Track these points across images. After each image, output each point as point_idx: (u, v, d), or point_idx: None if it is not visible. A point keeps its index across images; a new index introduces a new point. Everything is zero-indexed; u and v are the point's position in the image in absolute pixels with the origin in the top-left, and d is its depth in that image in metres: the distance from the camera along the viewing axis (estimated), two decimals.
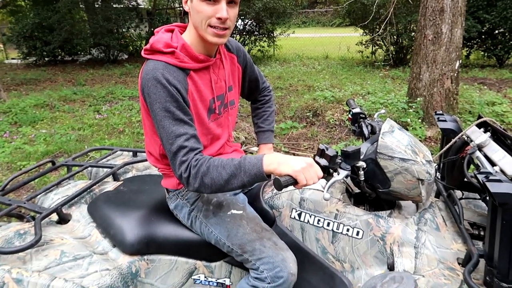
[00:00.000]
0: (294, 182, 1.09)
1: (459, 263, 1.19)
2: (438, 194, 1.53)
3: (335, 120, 5.03)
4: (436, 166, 1.61)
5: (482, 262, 1.09)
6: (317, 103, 5.60)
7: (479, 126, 1.41)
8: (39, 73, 10.31)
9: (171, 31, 1.34)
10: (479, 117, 1.43)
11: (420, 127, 4.14)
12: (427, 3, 4.21)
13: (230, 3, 1.21)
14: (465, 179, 1.41)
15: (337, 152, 1.16)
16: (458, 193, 1.48)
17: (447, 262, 1.19)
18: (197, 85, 1.31)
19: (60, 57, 12.51)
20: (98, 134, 5.11)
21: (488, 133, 1.32)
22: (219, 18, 1.19)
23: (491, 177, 0.98)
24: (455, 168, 1.46)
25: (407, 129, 4.18)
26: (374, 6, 7.10)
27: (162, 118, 1.20)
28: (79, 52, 12.90)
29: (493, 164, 1.21)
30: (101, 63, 11.97)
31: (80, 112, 6.28)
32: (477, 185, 1.24)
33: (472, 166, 1.39)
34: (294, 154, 4.13)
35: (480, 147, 1.28)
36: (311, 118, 5.28)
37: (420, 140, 4.01)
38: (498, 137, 1.32)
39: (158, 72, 1.20)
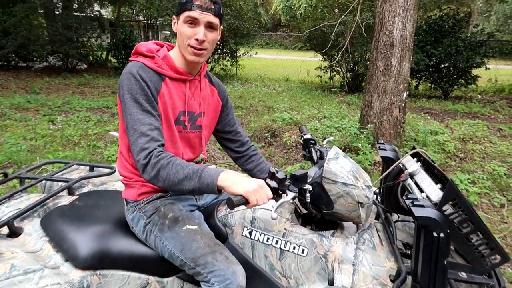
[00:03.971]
0: (246, 202, 1.18)
1: (390, 280, 1.32)
2: (378, 216, 1.68)
3: (292, 142, 5.21)
4: (377, 191, 1.77)
5: (410, 278, 1.22)
6: (276, 124, 5.77)
7: (413, 156, 1.58)
8: None
9: (161, 45, 1.52)
10: (413, 148, 1.60)
11: (370, 152, 4.39)
12: (379, 37, 4.54)
13: (209, 28, 1.39)
14: (400, 204, 1.57)
15: (286, 176, 1.27)
16: (395, 216, 1.63)
17: (380, 279, 1.32)
18: (171, 92, 1.44)
19: (13, 62, 11.98)
20: (52, 145, 4.96)
21: (420, 163, 1.49)
22: (196, 40, 1.37)
23: (415, 203, 1.13)
24: (392, 193, 1.62)
25: (358, 154, 4.42)
26: (333, 35, 7.49)
27: (131, 107, 1.33)
28: (34, 59, 12.42)
29: (422, 190, 1.37)
30: (58, 71, 11.62)
31: (33, 121, 6.07)
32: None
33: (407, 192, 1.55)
34: None
35: (412, 175, 1.44)
36: (269, 138, 5.44)
37: (369, 165, 4.26)
38: (428, 167, 1.49)
39: (134, 69, 1.36)
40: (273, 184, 1.24)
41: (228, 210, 1.54)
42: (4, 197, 1.73)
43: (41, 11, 12.44)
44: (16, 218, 1.54)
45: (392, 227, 1.45)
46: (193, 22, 1.36)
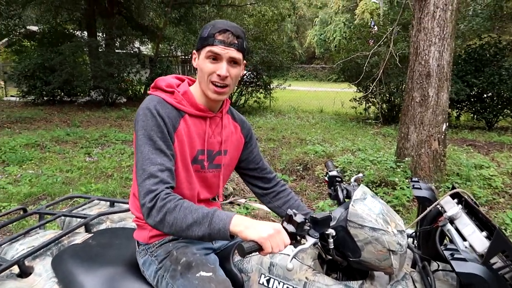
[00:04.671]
0: (259, 249, 1.06)
1: None
2: (414, 264, 1.49)
3: (325, 175, 5.02)
4: (413, 234, 1.59)
5: None
6: (308, 157, 5.62)
7: (453, 197, 1.41)
8: (35, 112, 10.40)
9: (182, 80, 1.46)
10: (453, 187, 1.43)
11: (408, 187, 4.13)
12: (414, 67, 4.37)
13: (232, 63, 1.32)
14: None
15: (305, 219, 1.14)
16: (434, 264, 1.44)
17: None
18: (190, 130, 1.36)
19: (59, 97, 12.72)
20: (86, 177, 5.05)
21: (460, 206, 1.31)
22: (219, 75, 1.29)
23: (456, 255, 0.96)
24: (430, 238, 1.44)
25: (394, 189, 4.17)
26: (366, 66, 7.36)
27: (143, 144, 1.25)
28: (78, 93, 13.13)
29: (464, 238, 1.19)
30: (99, 105, 12.15)
31: (70, 154, 6.27)
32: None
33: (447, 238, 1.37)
34: None
35: (451, 220, 1.26)
36: (301, 171, 5.28)
37: (407, 200, 4.00)
38: (471, 209, 1.31)
39: (151, 104, 1.29)
40: (291, 228, 1.11)
41: None
42: (20, 234, 1.70)
43: (86, 49, 13.20)
44: (28, 257, 1.49)
45: (430, 277, 1.27)
46: (215, 57, 1.29)
